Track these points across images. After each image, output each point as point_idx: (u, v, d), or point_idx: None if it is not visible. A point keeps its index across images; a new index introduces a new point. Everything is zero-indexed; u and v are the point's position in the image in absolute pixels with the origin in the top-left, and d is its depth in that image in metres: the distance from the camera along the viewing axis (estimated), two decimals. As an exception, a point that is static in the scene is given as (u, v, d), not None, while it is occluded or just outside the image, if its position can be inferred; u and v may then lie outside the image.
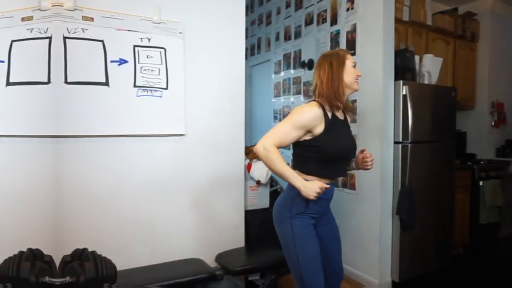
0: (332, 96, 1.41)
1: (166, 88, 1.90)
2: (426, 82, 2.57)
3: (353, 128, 2.56)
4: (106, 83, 1.75)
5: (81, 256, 1.24)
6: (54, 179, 1.69)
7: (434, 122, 2.53)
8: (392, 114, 2.38)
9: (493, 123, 3.34)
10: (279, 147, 1.36)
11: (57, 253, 1.20)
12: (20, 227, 1.61)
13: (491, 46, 3.30)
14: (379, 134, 2.33)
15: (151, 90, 1.86)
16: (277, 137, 1.36)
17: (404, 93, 2.34)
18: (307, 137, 1.40)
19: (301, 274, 1.39)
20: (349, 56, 1.47)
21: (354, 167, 1.62)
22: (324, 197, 1.43)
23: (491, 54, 3.30)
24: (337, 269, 1.58)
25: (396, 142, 2.38)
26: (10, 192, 1.61)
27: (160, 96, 1.89)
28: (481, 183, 3.03)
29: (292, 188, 1.40)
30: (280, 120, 3.84)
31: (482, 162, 3.18)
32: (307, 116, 1.38)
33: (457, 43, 3.13)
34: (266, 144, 1.34)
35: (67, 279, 1.14)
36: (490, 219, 3.08)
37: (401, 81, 2.34)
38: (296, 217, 1.40)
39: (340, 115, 1.49)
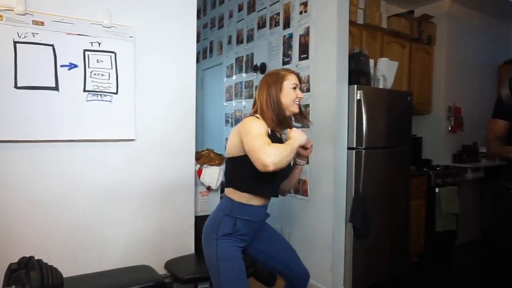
0: (274, 118, 1.66)
1: (116, 93, 2.20)
2: (381, 86, 3.10)
3: (306, 133, 3.02)
4: (56, 88, 2.03)
5: (27, 264, 1.49)
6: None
7: (389, 127, 3.06)
8: (346, 119, 2.86)
9: (449, 128, 4.03)
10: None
11: (3, 260, 1.44)
12: None
13: (448, 49, 3.99)
14: (332, 140, 2.80)
15: (101, 95, 2.15)
16: (262, 142, 1.49)
17: (358, 97, 2.84)
18: (244, 152, 1.58)
19: None
20: (289, 77, 1.71)
21: (301, 162, 1.84)
22: (253, 219, 1.69)
23: (448, 57, 3.99)
24: (300, 273, 1.90)
25: (349, 148, 2.87)
26: None
27: (110, 101, 2.19)
28: (437, 189, 3.65)
29: (221, 208, 1.69)
30: (232, 124, 4.26)
31: (438, 168, 3.83)
32: (261, 126, 1.60)
33: (413, 47, 3.75)
34: (266, 158, 1.42)
35: (13, 288, 1.40)
36: (446, 227, 3.72)
37: (355, 86, 2.83)
38: (222, 238, 1.63)
39: (279, 133, 1.76)
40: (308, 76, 3.04)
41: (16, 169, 1.99)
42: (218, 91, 4.71)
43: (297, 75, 1.78)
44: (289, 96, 1.69)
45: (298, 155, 1.80)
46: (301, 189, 3.06)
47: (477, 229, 4.35)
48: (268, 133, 1.63)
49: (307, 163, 1.90)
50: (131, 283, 1.99)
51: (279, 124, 1.70)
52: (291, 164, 1.80)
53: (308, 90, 3.04)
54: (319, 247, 2.91)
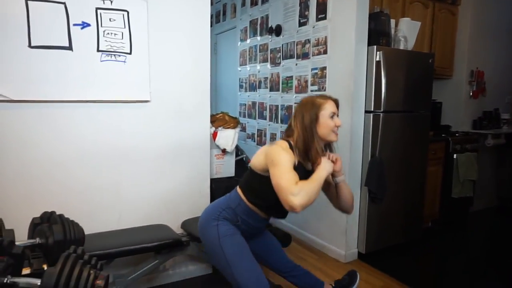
0: (303, 151, 1.60)
1: (130, 53, 2.19)
2: (401, 47, 3.00)
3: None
4: (70, 47, 2.03)
5: (49, 218, 1.54)
6: (18, 144, 2.00)
7: (409, 91, 2.98)
8: (364, 81, 2.79)
9: (471, 94, 3.90)
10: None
11: (26, 215, 1.50)
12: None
13: (473, 10, 3.79)
14: (349, 103, 2.75)
15: (114, 55, 2.14)
16: (289, 181, 1.46)
17: (377, 59, 2.75)
18: (266, 174, 1.57)
19: (232, 272, 1.57)
20: (326, 105, 1.62)
21: (340, 179, 1.77)
22: (255, 224, 1.72)
23: (473, 19, 3.80)
24: (286, 267, 1.94)
25: (367, 111, 2.82)
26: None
27: (124, 61, 2.18)
28: (455, 156, 3.60)
29: (229, 199, 1.71)
30: (246, 89, 4.22)
31: (457, 134, 3.76)
32: (289, 159, 1.54)
33: (436, 7, 3.57)
34: (291, 191, 1.43)
35: (37, 240, 1.45)
36: (463, 193, 3.69)
37: (375, 46, 2.73)
38: (222, 220, 1.65)
39: (307, 166, 1.66)
40: (326, 37, 2.95)
41: (34, 129, 2.03)
42: (232, 56, 4.63)
43: (335, 101, 1.69)
44: (326, 127, 1.61)
45: (332, 175, 1.72)
46: (316, 153, 3.05)
47: (494, 196, 4.31)
48: (295, 164, 1.59)
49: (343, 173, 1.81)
50: (150, 240, 2.07)
51: (306, 157, 1.63)
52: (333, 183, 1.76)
53: (325, 52, 2.96)
54: (333, 211, 2.89)
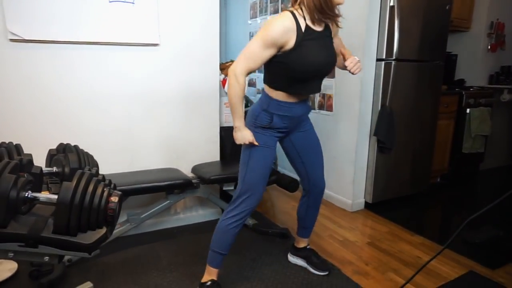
0: (317, 11, 1.49)
1: None
2: (417, -7, 2.90)
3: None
4: None
5: (65, 149, 1.62)
6: (33, 83, 2.08)
7: (423, 39, 2.93)
8: (376, 28, 2.74)
9: (489, 47, 3.80)
10: (251, 71, 1.56)
11: (42, 150, 1.58)
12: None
13: (498, -44, 3.62)
14: (360, 50, 2.72)
15: None
16: (248, 60, 1.53)
17: (391, 4, 2.68)
18: (278, 53, 1.54)
19: (245, 172, 1.70)
20: None
21: (340, 66, 1.80)
22: (291, 115, 1.69)
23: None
24: (316, 182, 1.94)
25: (378, 59, 2.80)
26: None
27: (133, 3, 2.18)
28: (468, 110, 3.57)
29: (260, 102, 1.69)
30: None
31: (472, 89, 3.71)
32: (277, 31, 1.47)
33: (458, -50, 3.42)
34: (238, 70, 1.53)
35: (54, 169, 1.53)
36: (474, 149, 3.69)
37: (389, -9, 2.67)
38: (258, 129, 1.68)
39: (318, 27, 1.56)
40: (339, -17, 2.86)
41: (46, 70, 2.09)
42: (242, 9, 4.56)
43: None
44: None
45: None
46: (325, 104, 3.06)
47: (507, 154, 4.30)
48: (302, 32, 1.50)
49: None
50: (162, 180, 2.17)
51: (320, 13, 1.50)
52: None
53: None
54: (341, 161, 2.98)
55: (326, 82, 3.03)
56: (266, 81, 1.68)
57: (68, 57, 2.13)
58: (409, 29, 2.80)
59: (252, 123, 1.69)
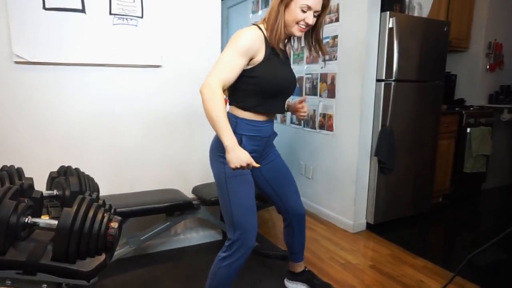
0: (269, 32, 1.50)
1: (142, 17, 2.24)
2: (416, 14, 2.96)
3: (333, 65, 2.97)
4: (83, 10, 2.08)
5: (66, 172, 1.62)
6: (36, 104, 2.09)
7: (422, 60, 2.96)
8: (376, 49, 2.78)
9: (487, 67, 3.84)
10: (226, 83, 1.44)
11: (43, 172, 1.58)
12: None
13: (494, -22, 3.70)
14: (360, 71, 2.75)
15: (126, 19, 2.19)
16: (222, 71, 1.42)
17: (390, 25, 2.73)
18: (247, 67, 1.48)
19: (231, 214, 1.56)
20: None
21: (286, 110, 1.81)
22: (259, 135, 1.60)
23: (493, -12, 3.71)
24: (294, 209, 1.86)
25: (378, 80, 2.82)
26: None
27: (136, 25, 2.23)
28: (468, 129, 3.58)
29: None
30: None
31: (471, 108, 3.73)
32: (249, 38, 1.45)
33: (454, -26, 3.50)
34: (212, 83, 1.38)
35: (55, 192, 1.53)
36: (475, 168, 3.68)
37: (388, 13, 2.71)
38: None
39: (279, 51, 1.57)
40: (338, 4, 2.93)
41: (49, 91, 2.12)
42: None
43: None
44: (292, 15, 1.49)
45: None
46: (326, 124, 3.07)
47: (508, 173, 4.28)
48: (266, 54, 1.51)
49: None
50: (162, 201, 2.16)
51: (274, 41, 1.52)
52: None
53: (337, 20, 2.94)
54: (343, 181, 2.97)
55: (326, 102, 3.06)
56: (233, 100, 1.60)
57: (71, 79, 2.15)
58: (408, 50, 2.84)
59: (219, 151, 1.54)
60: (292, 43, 1.70)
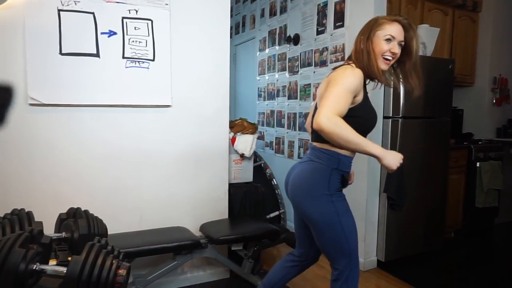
0: (365, 69, 1.51)
1: (153, 60, 2.31)
2: (420, 53, 2.98)
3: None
4: (97, 55, 2.17)
5: (75, 214, 1.62)
6: (48, 145, 2.14)
7: (428, 97, 2.97)
8: (382, 87, 2.79)
9: (494, 101, 3.85)
10: (340, 115, 1.38)
11: (53, 212, 1.59)
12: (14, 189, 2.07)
13: (495, 16, 3.77)
14: (368, 108, 2.76)
15: (138, 62, 2.27)
16: (336, 104, 1.38)
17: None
18: (350, 106, 1.46)
19: (349, 248, 1.54)
20: (386, 26, 1.50)
21: None
22: (349, 170, 1.60)
23: (495, 25, 3.77)
24: (317, 252, 1.83)
25: (385, 117, 2.83)
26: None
27: (148, 68, 2.30)
28: (478, 164, 3.53)
29: (326, 163, 1.52)
30: (265, 98, 4.29)
31: (480, 142, 3.70)
32: (356, 77, 1.45)
33: (456, 14, 3.58)
34: (329, 114, 1.34)
35: (63, 234, 1.53)
36: (487, 203, 3.60)
37: (393, 53, 2.76)
38: (335, 194, 1.52)
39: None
40: (343, 44, 2.99)
41: (62, 132, 2.17)
42: (251, 66, 4.74)
43: (404, 25, 1.52)
44: (378, 48, 1.49)
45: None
46: (334, 159, 3.06)
47: (521, 207, 4.17)
48: (364, 94, 1.53)
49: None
50: (169, 241, 2.14)
51: (368, 76, 1.54)
52: None
53: (343, 59, 2.99)
54: (351, 217, 2.91)
55: (334, 138, 3.05)
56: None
57: (83, 119, 2.20)
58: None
59: (325, 190, 1.50)
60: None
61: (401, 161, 1.42)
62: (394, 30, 1.50)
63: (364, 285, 2.62)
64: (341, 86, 1.41)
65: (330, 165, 1.52)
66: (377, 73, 1.52)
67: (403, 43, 1.54)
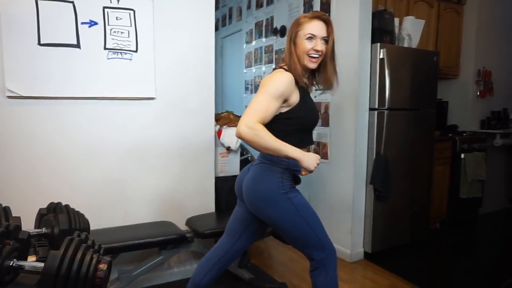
0: (292, 71, 1.52)
1: (136, 51, 2.26)
2: (406, 45, 3.01)
3: (327, 94, 3.01)
4: (78, 45, 2.10)
5: (55, 209, 1.58)
6: (27, 138, 2.07)
7: (414, 89, 2.99)
8: (368, 79, 2.82)
9: (478, 93, 3.89)
10: (263, 123, 1.42)
11: (33, 208, 1.54)
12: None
13: (479, 8, 3.80)
14: (353, 100, 2.77)
15: (121, 53, 2.21)
16: (258, 112, 1.41)
17: (381, 56, 2.77)
18: (284, 109, 1.51)
19: (318, 238, 1.58)
20: (305, 25, 1.51)
21: None
22: (300, 169, 1.57)
23: (479, 17, 3.81)
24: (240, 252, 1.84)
25: (371, 109, 2.84)
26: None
27: (130, 59, 2.24)
28: (462, 155, 3.58)
29: (272, 164, 1.54)
30: (252, 91, 4.26)
31: (464, 134, 3.75)
32: (282, 83, 1.47)
33: (441, 6, 3.59)
34: (249, 123, 1.37)
35: (43, 230, 1.49)
36: (471, 194, 3.66)
37: (378, 44, 2.77)
38: (290, 191, 1.55)
39: (305, 86, 1.62)
40: (330, 36, 2.97)
41: (42, 125, 2.10)
42: (237, 58, 4.70)
43: (324, 21, 1.52)
44: (301, 48, 1.51)
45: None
46: (321, 152, 3.06)
47: (504, 198, 4.26)
48: (297, 84, 1.52)
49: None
50: (155, 235, 2.11)
51: (300, 79, 1.54)
52: None
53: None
54: (338, 210, 2.93)
55: (321, 130, 3.06)
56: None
57: (64, 113, 2.15)
58: (399, 79, 2.87)
59: (280, 190, 1.53)
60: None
61: (319, 162, 1.46)
62: (314, 27, 1.51)
63: (351, 276, 2.64)
64: (266, 93, 1.45)
65: (280, 165, 1.55)
66: (299, 75, 1.52)
67: (327, 38, 1.54)
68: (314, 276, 1.64)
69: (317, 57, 1.53)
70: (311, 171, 1.46)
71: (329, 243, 1.63)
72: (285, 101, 1.50)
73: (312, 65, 1.54)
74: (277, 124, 1.52)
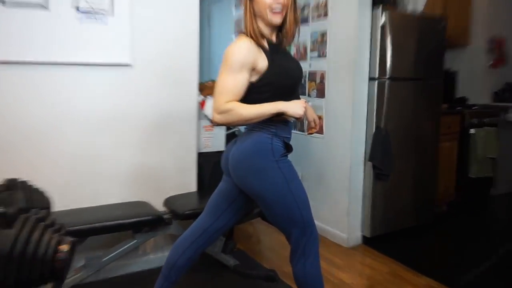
0: (249, 32, 1.49)
1: (112, 14, 2.17)
2: (410, 8, 2.89)
3: (323, 63, 2.89)
4: (45, 7, 2.01)
5: (12, 186, 1.49)
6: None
7: (418, 57, 2.85)
8: (368, 46, 2.67)
9: (490, 63, 3.77)
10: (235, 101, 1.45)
11: None
12: None
13: (493, -31, 3.65)
14: (351, 69, 2.63)
15: (94, 15, 2.12)
16: (224, 93, 1.44)
17: (382, 22, 2.63)
18: (253, 78, 1.49)
19: (301, 216, 1.53)
20: None
21: None
22: (289, 136, 1.61)
23: (493, -21, 3.65)
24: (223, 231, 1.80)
25: (371, 79, 2.70)
26: None
27: (103, 20, 2.16)
28: (472, 130, 3.46)
29: (265, 131, 1.52)
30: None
31: (475, 107, 3.63)
32: (240, 53, 1.45)
33: (450, -36, 3.44)
34: (220, 107, 1.42)
35: (-1, 208, 1.40)
36: (482, 173, 3.54)
37: (380, 8, 2.62)
38: (281, 160, 1.52)
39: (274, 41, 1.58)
40: (326, 0, 2.85)
41: (5, 92, 2.00)
42: (226, 25, 4.60)
43: None
44: (261, 4, 1.47)
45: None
46: (315, 126, 2.97)
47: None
48: (264, 48, 1.49)
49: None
50: (127, 217, 2.01)
51: (256, 39, 1.49)
52: None
53: (325, 14, 2.85)
54: (334, 189, 2.84)
55: (315, 102, 2.94)
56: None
57: (30, 79, 2.03)
58: (402, 47, 2.74)
59: (271, 156, 1.50)
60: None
61: (305, 105, 1.48)
62: None
63: (348, 262, 2.55)
64: (227, 69, 1.45)
65: (269, 132, 1.53)
66: (258, 36, 1.50)
67: None
68: (293, 264, 1.60)
69: (281, 9, 1.49)
70: (301, 117, 1.46)
71: (312, 225, 1.57)
72: (253, 69, 1.47)
73: (277, 19, 1.49)
74: (251, 95, 1.50)
